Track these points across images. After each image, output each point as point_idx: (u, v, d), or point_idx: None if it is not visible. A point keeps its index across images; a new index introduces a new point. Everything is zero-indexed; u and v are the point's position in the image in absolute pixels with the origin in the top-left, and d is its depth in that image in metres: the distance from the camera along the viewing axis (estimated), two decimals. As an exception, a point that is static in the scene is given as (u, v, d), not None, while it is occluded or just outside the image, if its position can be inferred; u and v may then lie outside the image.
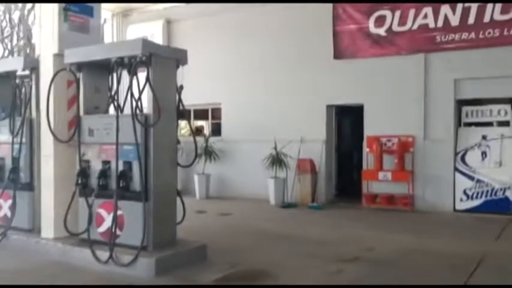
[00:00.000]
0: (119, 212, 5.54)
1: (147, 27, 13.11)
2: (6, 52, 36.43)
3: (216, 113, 12.73)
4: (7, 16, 35.54)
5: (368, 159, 10.25)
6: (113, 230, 5.50)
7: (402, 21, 9.97)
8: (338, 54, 10.68)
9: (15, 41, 36.19)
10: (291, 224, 8.61)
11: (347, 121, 11.75)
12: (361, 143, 10.51)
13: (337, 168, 11.49)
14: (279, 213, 9.89)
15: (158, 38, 12.65)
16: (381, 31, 10.21)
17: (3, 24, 35.83)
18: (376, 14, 10.23)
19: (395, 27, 10.05)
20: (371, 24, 10.30)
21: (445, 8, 9.55)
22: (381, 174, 9.80)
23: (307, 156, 10.68)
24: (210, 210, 9.86)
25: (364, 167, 10.31)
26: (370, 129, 10.29)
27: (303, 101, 10.96)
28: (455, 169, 9.48)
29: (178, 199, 5.96)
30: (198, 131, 13.28)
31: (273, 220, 9.01)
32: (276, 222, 8.72)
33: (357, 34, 10.47)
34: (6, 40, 36.36)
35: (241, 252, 6.38)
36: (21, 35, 35.27)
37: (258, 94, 11.53)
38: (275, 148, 10.63)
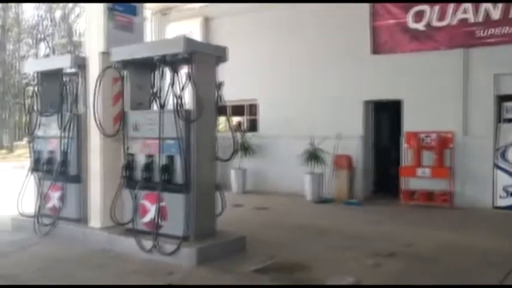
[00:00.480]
0: (162, 203, 5.78)
1: (186, 25, 13.39)
2: (48, 50, 37.96)
3: (252, 108, 12.89)
4: (49, 15, 37.00)
5: (406, 155, 10.18)
6: (157, 220, 5.75)
7: (441, 16, 9.84)
8: (376, 50, 10.64)
9: (56, 39, 37.63)
10: (327, 219, 8.66)
11: (384, 117, 11.67)
12: (398, 138, 10.45)
13: (374, 164, 11.45)
14: (315, 208, 9.96)
15: (196, 36, 12.91)
16: (420, 26, 10.10)
17: (45, 22, 37.32)
18: (415, 8, 10.13)
19: (434, 22, 9.93)
20: (409, 19, 10.21)
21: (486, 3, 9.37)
22: (419, 171, 9.72)
23: (344, 152, 10.70)
24: (247, 204, 10.03)
25: (402, 163, 10.24)
26: (408, 124, 10.22)
27: (340, 96, 10.97)
28: (495, 165, 9.30)
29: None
30: (238, 127, 13.42)
31: (309, 215, 9.11)
32: (312, 217, 8.82)
33: (395, 29, 10.41)
34: (47, 38, 37.86)
35: (278, 245, 6.52)
36: (62, 33, 36.61)
37: (294, 90, 11.61)
38: (312, 144, 10.69)
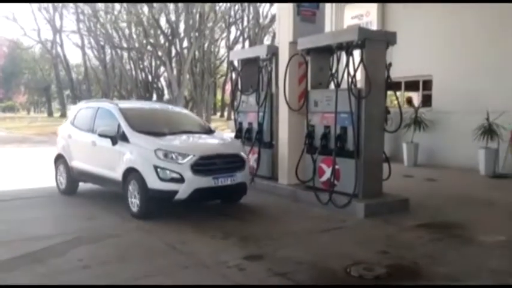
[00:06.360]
0: (336, 166, 7.03)
1: (363, 5, 14.16)
2: (238, 33, 41.96)
3: (427, 84, 13.15)
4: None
5: None
6: (332, 180, 7.03)
7: None
8: None
9: (245, 23, 41.41)
10: (498, 192, 8.76)
11: None
12: None
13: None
14: (487, 182, 10.03)
15: (373, 14, 13.66)
16: None
17: (236, 7, 41.33)
18: None
19: None
20: None
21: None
22: None
23: (522, 127, 10.42)
24: (417, 176, 10.63)
25: None
26: None
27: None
28: None
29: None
30: (408, 102, 13.90)
31: (479, 188, 9.31)
32: (481, 190, 9.02)
33: None
34: (238, 22, 41.93)
35: (441, 210, 7.23)
36: (250, 17, 40.18)
37: (470, 65, 11.53)
38: (487, 119, 10.68)
